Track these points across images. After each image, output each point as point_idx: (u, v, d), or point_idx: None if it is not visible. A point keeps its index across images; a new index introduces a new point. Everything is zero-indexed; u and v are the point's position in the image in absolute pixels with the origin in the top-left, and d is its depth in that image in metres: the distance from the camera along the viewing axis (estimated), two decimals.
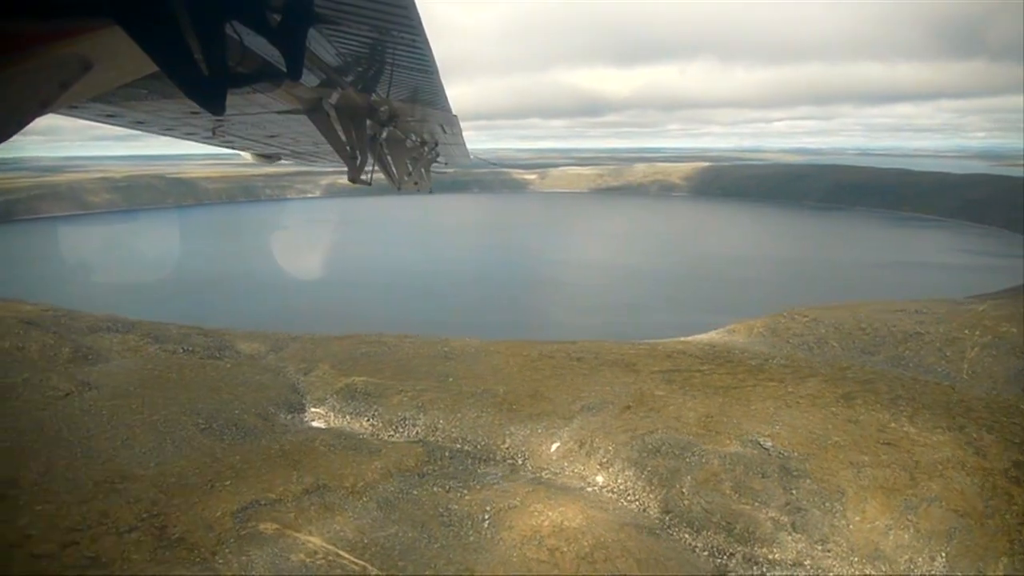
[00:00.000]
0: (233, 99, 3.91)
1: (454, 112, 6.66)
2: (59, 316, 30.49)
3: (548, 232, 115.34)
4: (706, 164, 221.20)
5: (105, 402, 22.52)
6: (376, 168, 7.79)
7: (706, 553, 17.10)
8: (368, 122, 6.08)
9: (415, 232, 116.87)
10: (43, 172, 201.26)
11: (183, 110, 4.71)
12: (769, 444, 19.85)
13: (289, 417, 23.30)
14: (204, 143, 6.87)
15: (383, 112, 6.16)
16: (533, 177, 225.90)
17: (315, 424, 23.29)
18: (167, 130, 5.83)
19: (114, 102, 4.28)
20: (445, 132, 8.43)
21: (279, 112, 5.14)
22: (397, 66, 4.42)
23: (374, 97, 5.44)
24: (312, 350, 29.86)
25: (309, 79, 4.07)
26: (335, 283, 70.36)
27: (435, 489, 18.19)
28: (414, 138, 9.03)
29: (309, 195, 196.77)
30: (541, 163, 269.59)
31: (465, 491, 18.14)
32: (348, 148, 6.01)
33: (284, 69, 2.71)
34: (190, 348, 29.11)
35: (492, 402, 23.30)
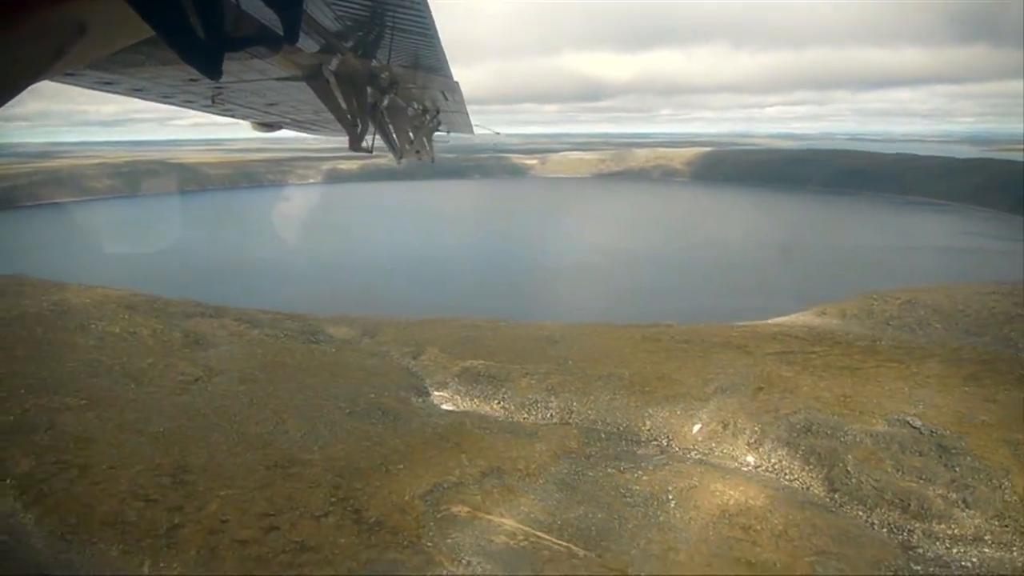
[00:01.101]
0: (231, 65, 3.88)
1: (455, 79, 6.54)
2: (150, 301, 30.06)
3: (566, 217, 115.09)
4: (707, 149, 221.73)
5: (236, 386, 22.30)
6: (377, 136, 7.75)
7: (885, 530, 17.27)
8: (369, 89, 6.04)
9: (441, 217, 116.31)
10: (30, 158, 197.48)
11: (181, 77, 4.65)
12: (918, 423, 20.03)
13: (420, 400, 23.18)
14: (203, 111, 6.76)
15: (384, 79, 6.13)
16: (534, 162, 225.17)
17: (446, 407, 23.18)
18: (165, 97, 5.70)
19: (111, 69, 4.19)
20: (447, 99, 8.33)
21: (278, 79, 5.11)
22: (397, 30, 4.38)
23: (374, 63, 5.39)
24: (409, 334, 29.74)
25: (308, 44, 4.07)
26: (367, 268, 69.87)
27: (609, 470, 18.21)
28: (416, 106, 8.94)
29: (310, 180, 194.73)
30: (532, 148, 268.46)
31: (639, 472, 18.18)
32: (348, 116, 5.99)
33: (281, 33, 2.64)
34: (287, 333, 28.90)
35: (621, 384, 23.30)
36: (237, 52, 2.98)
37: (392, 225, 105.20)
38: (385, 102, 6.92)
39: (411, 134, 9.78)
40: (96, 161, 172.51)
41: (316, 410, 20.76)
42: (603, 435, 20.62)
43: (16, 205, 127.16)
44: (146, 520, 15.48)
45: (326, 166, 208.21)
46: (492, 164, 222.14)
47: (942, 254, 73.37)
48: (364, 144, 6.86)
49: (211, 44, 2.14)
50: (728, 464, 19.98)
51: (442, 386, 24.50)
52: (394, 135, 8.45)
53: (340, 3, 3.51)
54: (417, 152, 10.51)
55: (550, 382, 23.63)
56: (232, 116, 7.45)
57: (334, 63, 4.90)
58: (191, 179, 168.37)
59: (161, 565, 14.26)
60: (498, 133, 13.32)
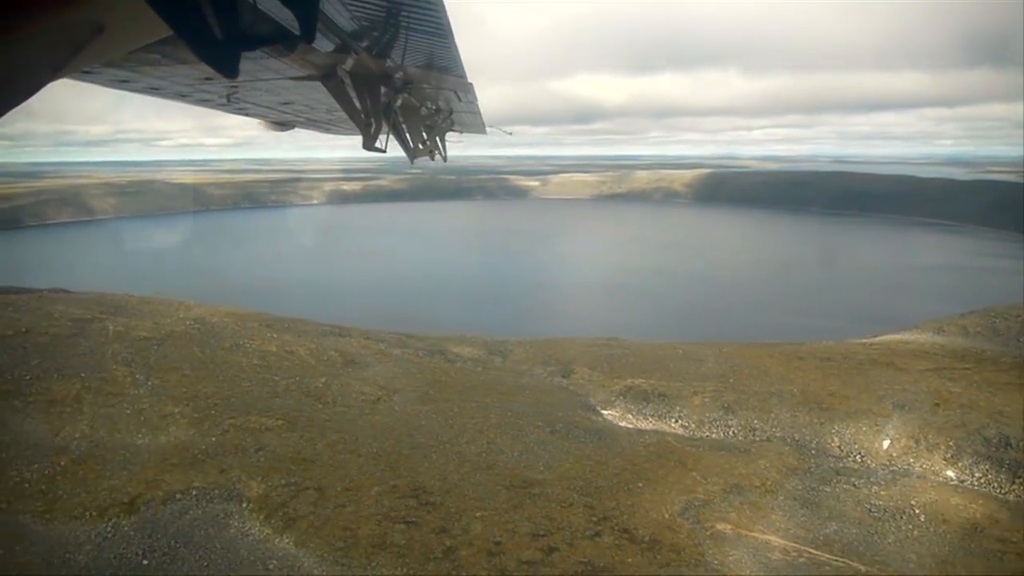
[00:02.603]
0: (247, 65, 3.93)
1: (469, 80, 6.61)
2: (276, 320, 29.63)
3: (588, 238, 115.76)
4: (707, 171, 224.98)
5: (419, 406, 21.99)
6: (390, 137, 7.83)
7: None
8: (383, 89, 6.08)
9: (467, 237, 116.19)
10: (15, 178, 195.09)
11: (197, 76, 4.69)
12: None
13: (599, 419, 23.00)
14: (219, 109, 6.84)
15: (398, 79, 6.16)
16: (535, 184, 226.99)
17: (626, 424, 23.01)
18: (181, 96, 5.78)
19: (127, 67, 4.24)
20: (460, 100, 8.35)
21: (294, 79, 5.15)
22: (412, 30, 4.42)
23: (389, 63, 5.41)
24: (539, 353, 29.58)
25: (323, 44, 4.12)
26: (420, 287, 69.57)
27: (844, 486, 18.15)
28: (429, 105, 8.98)
29: (313, 201, 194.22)
30: (526, 170, 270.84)
31: (874, 486, 18.15)
32: (362, 115, 6.03)
33: (297, 32, 2.72)
34: (420, 352, 28.58)
35: (795, 402, 23.34)
36: (253, 51, 2.99)
37: (423, 245, 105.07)
38: (399, 102, 6.98)
39: (424, 134, 9.83)
40: (96, 181, 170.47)
41: (516, 429, 20.49)
42: (813, 451, 20.57)
43: (22, 225, 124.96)
44: (417, 543, 15.11)
45: (328, 186, 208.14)
46: (493, 186, 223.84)
47: (985, 274, 74.77)
48: (378, 144, 6.92)
49: (228, 43, 2.15)
50: (932, 479, 20.01)
51: (609, 404, 24.33)
52: (407, 135, 8.49)
53: (356, 3, 3.54)
54: (430, 152, 10.62)
55: (725, 400, 23.58)
56: (247, 115, 7.52)
57: (349, 63, 4.94)
58: (195, 200, 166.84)
59: None
60: (510, 133, 13.49)
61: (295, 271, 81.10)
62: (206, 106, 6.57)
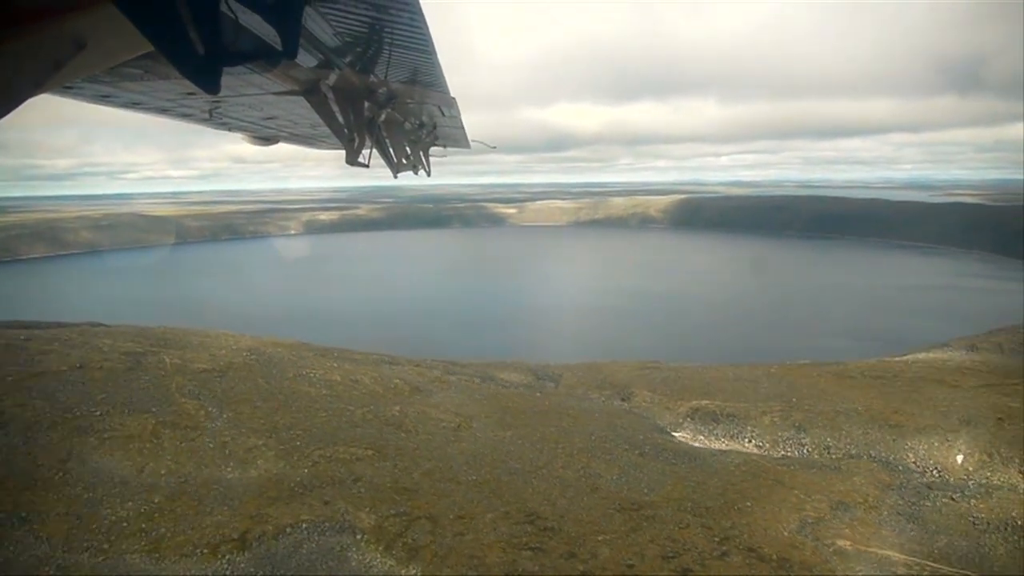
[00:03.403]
0: (229, 80, 4.05)
1: (452, 95, 6.75)
2: (325, 349, 29.26)
3: (577, 264, 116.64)
4: (682, 197, 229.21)
5: (500, 432, 21.86)
6: (374, 151, 7.93)
7: None
8: (366, 104, 6.22)
9: (458, 265, 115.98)
10: None
11: (179, 91, 4.75)
12: None
13: (676, 440, 23.09)
14: (201, 124, 6.89)
15: (381, 94, 6.25)
16: (512, 211, 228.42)
17: (699, 445, 23.13)
18: (163, 111, 5.83)
19: (109, 83, 4.29)
20: (444, 115, 8.44)
21: (276, 93, 5.23)
22: (395, 46, 4.49)
23: (372, 78, 5.52)
24: (590, 378, 29.69)
25: (306, 59, 4.22)
26: (435, 312, 69.15)
27: (943, 499, 18.46)
28: (413, 120, 9.05)
29: (290, 232, 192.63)
30: (497, 198, 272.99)
31: (971, 499, 18.49)
32: (346, 130, 6.14)
33: (280, 48, 2.73)
34: (480, 378, 28.45)
35: (862, 419, 23.75)
36: (235, 67, 3.07)
37: (413, 273, 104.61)
38: (382, 117, 7.06)
39: (408, 149, 9.91)
40: (68, 215, 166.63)
41: (606, 453, 20.47)
42: (899, 467, 20.91)
43: None
44: (549, 569, 14.94)
45: (305, 216, 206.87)
46: (471, 213, 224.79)
47: (976, 295, 77.20)
48: (361, 159, 6.99)
49: (209, 59, 2.18)
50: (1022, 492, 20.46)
51: (677, 426, 24.45)
52: (391, 150, 8.57)
53: (338, 19, 3.56)
54: (414, 167, 10.72)
55: (794, 419, 23.88)
56: (229, 129, 7.54)
57: (332, 78, 5.02)
58: (171, 232, 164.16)
59: None
60: (494, 148, 13.51)
61: (289, 301, 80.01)
62: (188, 121, 6.52)
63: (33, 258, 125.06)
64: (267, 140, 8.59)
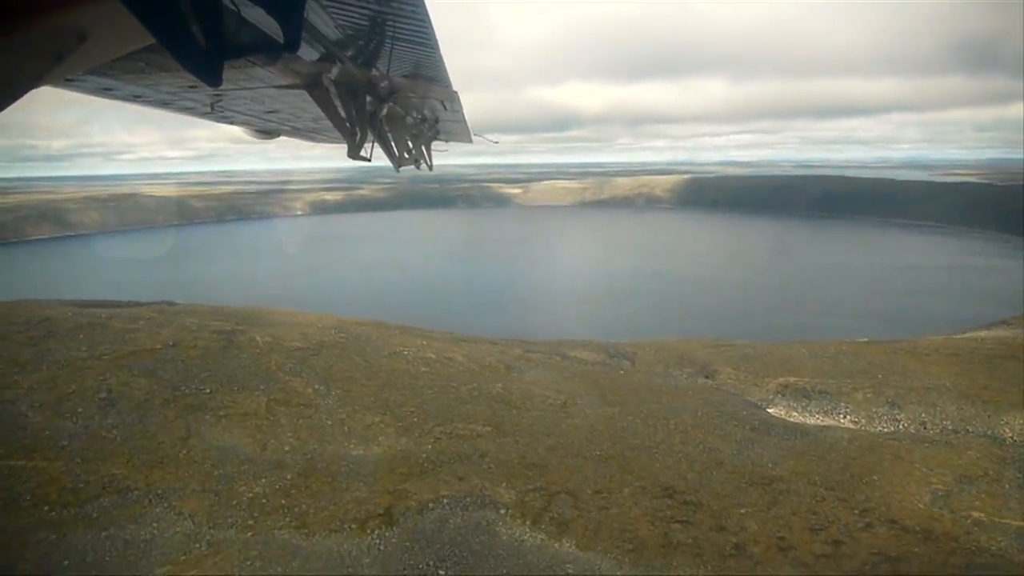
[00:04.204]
0: (232, 73, 4.08)
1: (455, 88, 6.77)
2: (409, 329, 29.25)
3: (593, 244, 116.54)
4: (687, 177, 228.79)
5: (607, 408, 21.99)
6: (375, 145, 7.99)
7: None
8: (368, 98, 6.25)
9: (473, 245, 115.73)
10: None
11: (181, 84, 4.77)
12: None
13: (777, 416, 23.29)
14: (203, 118, 6.89)
15: (383, 88, 6.28)
16: (517, 191, 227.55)
17: (796, 421, 23.34)
18: (164, 104, 5.86)
19: (111, 75, 4.30)
20: (446, 109, 8.41)
21: (279, 87, 5.25)
22: (397, 39, 4.50)
23: (374, 72, 5.52)
24: (663, 355, 29.82)
25: (308, 53, 4.25)
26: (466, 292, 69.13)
27: None
28: (415, 115, 9.06)
29: (297, 212, 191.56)
30: (495, 178, 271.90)
31: None
32: (348, 124, 6.17)
33: (282, 41, 2.71)
34: (559, 356, 28.54)
35: (953, 395, 23.98)
36: (237, 60, 3.06)
37: (428, 253, 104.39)
38: (384, 111, 7.08)
39: (410, 143, 9.97)
40: (73, 195, 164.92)
41: (717, 428, 20.64)
42: (1005, 442, 21.16)
43: (3, 241, 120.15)
44: (703, 541, 15.13)
45: (310, 197, 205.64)
46: (476, 193, 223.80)
47: (995, 275, 77.66)
48: (363, 153, 7.02)
49: (211, 52, 2.18)
50: None
51: (769, 403, 24.63)
52: (393, 144, 8.60)
53: (341, 12, 3.56)
54: (416, 161, 10.81)
55: (887, 395, 24.10)
56: (231, 123, 7.55)
57: (334, 72, 5.00)
58: (179, 213, 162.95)
59: None
60: (496, 142, 13.53)
61: (318, 280, 79.77)
62: (190, 114, 6.48)
63: (40, 239, 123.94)
64: (269, 134, 8.61)
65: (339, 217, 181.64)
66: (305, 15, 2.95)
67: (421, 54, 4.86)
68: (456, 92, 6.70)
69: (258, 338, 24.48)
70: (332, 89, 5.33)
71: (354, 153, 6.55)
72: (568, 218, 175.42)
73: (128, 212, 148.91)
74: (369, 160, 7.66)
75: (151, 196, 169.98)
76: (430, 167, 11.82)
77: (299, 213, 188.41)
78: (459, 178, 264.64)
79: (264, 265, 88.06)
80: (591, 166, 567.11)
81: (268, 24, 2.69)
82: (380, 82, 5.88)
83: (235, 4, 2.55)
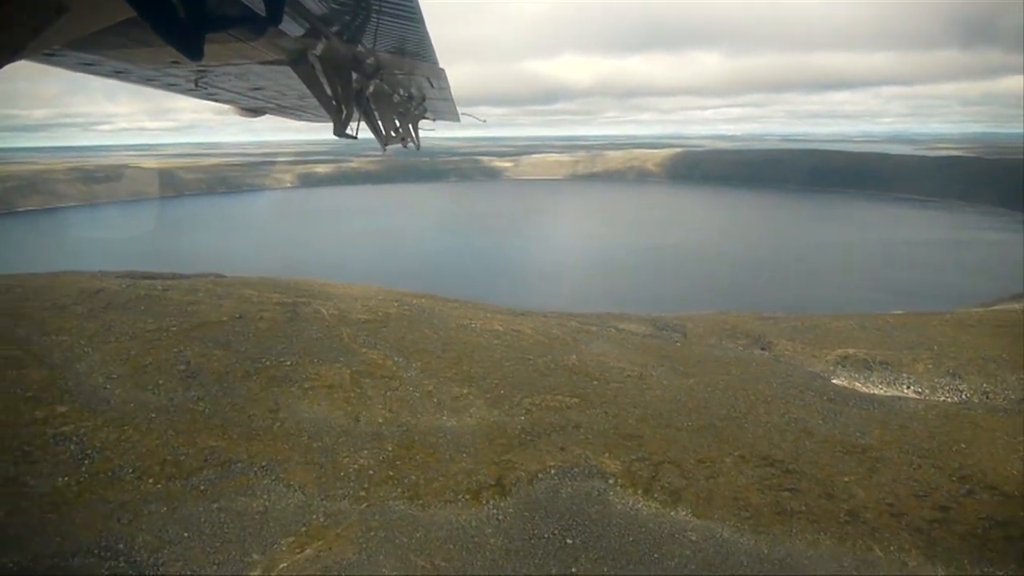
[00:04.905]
0: (215, 49, 4.02)
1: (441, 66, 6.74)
2: (464, 302, 29.19)
3: (590, 219, 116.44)
4: (678, 151, 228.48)
5: (684, 380, 22.20)
6: (361, 123, 7.96)
7: None
8: (354, 75, 6.21)
9: (472, 219, 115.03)
10: None
11: (164, 59, 4.68)
12: None
13: (844, 387, 23.66)
14: (186, 95, 6.77)
15: (369, 64, 6.24)
16: (508, 164, 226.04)
17: (863, 391, 23.71)
18: (148, 80, 5.74)
19: (91, 50, 4.20)
20: (433, 86, 8.37)
21: (263, 63, 5.17)
22: (383, 15, 4.49)
23: (360, 48, 5.51)
24: (714, 327, 30.08)
25: (293, 29, 4.24)
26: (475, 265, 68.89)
27: None
28: (401, 92, 8.95)
29: (287, 184, 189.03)
30: (485, 151, 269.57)
31: None
32: (334, 102, 6.14)
33: (264, 14, 2.69)
34: (612, 328, 28.69)
35: (1012, 366, 24.45)
36: (219, 33, 3.09)
37: (430, 226, 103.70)
38: (371, 88, 7.02)
39: (396, 121, 9.82)
40: (60, 166, 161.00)
41: (796, 398, 20.93)
42: None
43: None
44: (816, 508, 15.43)
45: (298, 169, 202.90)
46: (467, 167, 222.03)
47: (996, 248, 78.88)
48: (348, 130, 7.00)
49: (191, 24, 2.16)
50: None
51: (832, 374, 24.98)
52: (379, 122, 8.51)
53: None
54: (403, 140, 10.68)
55: (947, 366, 24.53)
56: (216, 100, 7.34)
57: (319, 48, 4.97)
58: (168, 184, 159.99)
59: (891, 548, 14.30)
60: (484, 121, 13.32)
61: (313, 253, 79.00)
62: (173, 91, 6.28)
63: (31, 210, 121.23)
64: (255, 112, 8.44)
65: (330, 190, 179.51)
66: None
67: (407, 30, 4.77)
68: (443, 69, 6.55)
69: (323, 311, 24.29)
70: (317, 66, 5.21)
71: (340, 131, 6.44)
72: (563, 192, 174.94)
73: (116, 184, 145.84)
74: (355, 138, 7.55)
75: (139, 168, 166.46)
76: (417, 146, 11.63)
77: (289, 185, 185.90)
78: (448, 151, 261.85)
79: (273, 236, 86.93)
80: (579, 139, 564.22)
81: None
82: (366, 58, 5.75)
83: None
